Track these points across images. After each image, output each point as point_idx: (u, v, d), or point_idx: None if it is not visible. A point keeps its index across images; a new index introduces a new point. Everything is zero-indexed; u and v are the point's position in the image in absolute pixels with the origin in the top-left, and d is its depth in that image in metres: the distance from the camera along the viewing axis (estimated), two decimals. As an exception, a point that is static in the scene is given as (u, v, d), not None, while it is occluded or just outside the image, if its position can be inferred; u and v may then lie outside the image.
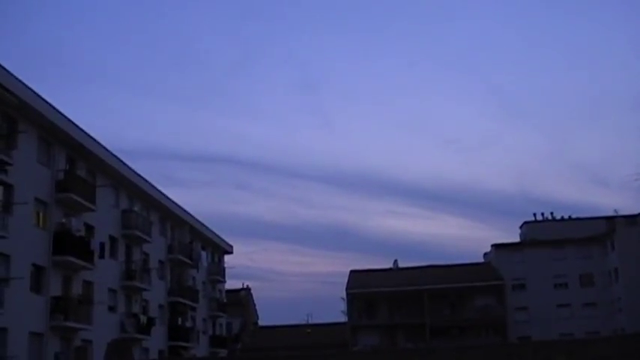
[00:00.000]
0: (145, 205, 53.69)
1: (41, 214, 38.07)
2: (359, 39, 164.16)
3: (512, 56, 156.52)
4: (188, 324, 60.84)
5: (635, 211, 76.48)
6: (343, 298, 75.92)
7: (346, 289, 75.56)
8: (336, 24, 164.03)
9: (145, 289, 51.13)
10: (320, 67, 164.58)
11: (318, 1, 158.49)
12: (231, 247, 75.20)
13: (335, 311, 75.21)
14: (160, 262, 56.54)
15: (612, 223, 74.51)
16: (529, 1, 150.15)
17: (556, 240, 75.60)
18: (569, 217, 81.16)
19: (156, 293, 54.30)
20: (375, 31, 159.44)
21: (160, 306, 55.86)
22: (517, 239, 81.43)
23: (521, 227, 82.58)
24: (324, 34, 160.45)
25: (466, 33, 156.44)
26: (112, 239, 47.34)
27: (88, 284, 42.79)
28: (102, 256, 44.36)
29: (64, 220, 39.70)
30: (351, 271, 79.83)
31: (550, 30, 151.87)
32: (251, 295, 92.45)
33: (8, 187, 34.23)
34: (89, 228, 43.28)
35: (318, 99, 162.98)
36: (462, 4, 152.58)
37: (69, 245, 38.73)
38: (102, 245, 44.67)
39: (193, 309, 62.11)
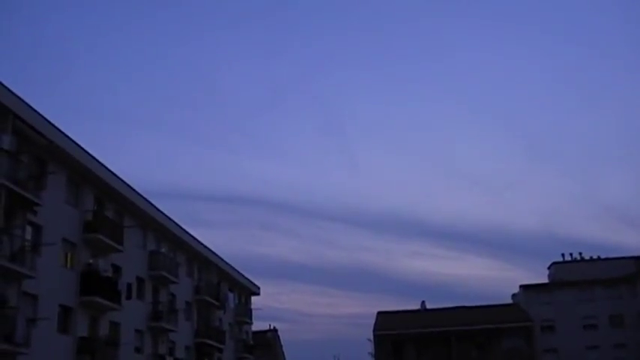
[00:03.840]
0: (172, 246, 53.99)
1: (69, 255, 38.41)
2: (384, 80, 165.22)
3: (540, 97, 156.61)
4: (215, 365, 60.77)
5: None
6: (370, 340, 75.36)
7: (373, 330, 75.10)
8: (362, 64, 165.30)
9: (171, 330, 51.18)
10: (346, 107, 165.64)
11: (344, 42, 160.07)
12: (259, 288, 75.25)
13: (362, 353, 74.80)
14: (187, 303, 56.68)
15: (641, 262, 73.77)
16: (556, 42, 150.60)
17: (585, 280, 74.83)
18: (598, 257, 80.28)
19: (182, 334, 54.34)
20: (401, 72, 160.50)
21: (187, 347, 55.87)
22: (545, 280, 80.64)
23: (549, 268, 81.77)
24: (350, 75, 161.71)
25: (493, 74, 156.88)
26: (139, 280, 47.59)
27: (114, 325, 42.93)
28: (129, 297, 44.61)
29: (91, 261, 40.03)
30: (378, 313, 79.42)
31: (578, 70, 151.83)
32: (278, 336, 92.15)
33: (37, 228, 34.64)
34: (116, 269, 43.57)
35: (343, 140, 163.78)
36: (489, 46, 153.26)
37: (96, 286, 38.96)
38: (129, 286, 44.96)
39: (220, 350, 61.99)
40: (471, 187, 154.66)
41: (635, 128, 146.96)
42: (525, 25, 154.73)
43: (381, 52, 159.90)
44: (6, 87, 30.89)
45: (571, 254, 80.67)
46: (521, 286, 78.07)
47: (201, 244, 58.78)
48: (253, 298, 75.84)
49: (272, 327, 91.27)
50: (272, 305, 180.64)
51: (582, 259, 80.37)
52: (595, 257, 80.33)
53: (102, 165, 40.81)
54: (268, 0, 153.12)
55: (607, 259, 79.22)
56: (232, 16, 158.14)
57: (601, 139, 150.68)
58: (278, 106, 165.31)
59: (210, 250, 60.65)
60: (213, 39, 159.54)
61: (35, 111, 33.67)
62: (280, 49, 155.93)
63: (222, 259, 63.70)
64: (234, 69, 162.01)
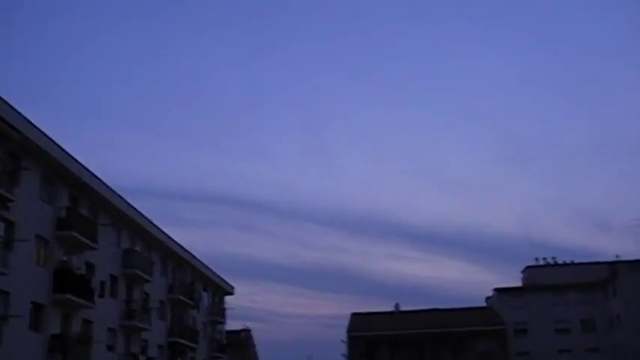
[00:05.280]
0: (147, 244, 53.64)
1: (42, 252, 37.92)
2: (366, 83, 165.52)
3: (517, 102, 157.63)
4: (187, 365, 60.45)
5: (637, 257, 76.36)
6: (344, 341, 75.39)
7: (347, 331, 75.15)
8: (345, 67, 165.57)
9: (144, 329, 50.82)
10: (327, 109, 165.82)
11: (327, 45, 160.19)
12: (233, 288, 74.97)
13: (336, 354, 74.68)
14: (161, 301, 56.31)
15: (614, 268, 74.38)
16: (535, 48, 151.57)
17: (558, 285, 75.37)
18: (572, 262, 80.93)
19: (155, 333, 53.99)
20: (382, 76, 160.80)
21: (160, 346, 55.50)
22: (519, 284, 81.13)
23: (523, 272, 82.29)
24: (332, 77, 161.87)
25: (471, 79, 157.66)
26: (113, 278, 47.19)
27: (87, 323, 42.51)
28: (102, 295, 44.27)
29: (64, 258, 39.63)
30: (352, 314, 79.46)
31: (556, 77, 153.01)
32: (251, 336, 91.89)
33: (10, 224, 34.19)
34: (90, 266, 43.16)
35: (324, 141, 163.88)
36: (472, 51, 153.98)
37: (69, 283, 38.55)
38: (102, 284, 44.61)
39: (193, 350, 61.66)
40: (449, 190, 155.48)
41: (610, 136, 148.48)
42: (506, 30, 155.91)
43: (363, 55, 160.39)
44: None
45: (545, 258, 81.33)
46: (494, 290, 78.47)
47: (177, 243, 58.44)
48: (227, 298, 75.56)
49: (246, 327, 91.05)
50: (246, 305, 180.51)
51: (556, 264, 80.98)
52: (569, 262, 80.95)
53: (77, 162, 40.37)
54: (253, 3, 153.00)
55: (580, 264, 79.84)
56: (217, 18, 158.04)
57: (577, 146, 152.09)
58: (260, 107, 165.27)
59: (185, 250, 60.32)
60: (199, 40, 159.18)
61: (9, 105, 33.24)
62: (264, 51, 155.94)
63: (197, 259, 63.40)
64: (217, 69, 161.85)
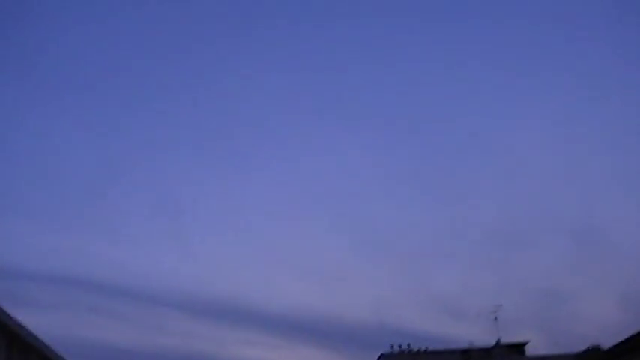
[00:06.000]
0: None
1: None
2: (225, 168, 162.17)
3: (375, 191, 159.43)
4: None
5: (489, 343, 76.57)
6: None
7: None
8: (202, 154, 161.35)
9: None
10: (184, 191, 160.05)
11: (183, 124, 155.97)
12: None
13: None
14: (3, 394, 48.38)
15: (467, 354, 73.75)
16: (393, 143, 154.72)
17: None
18: (426, 348, 79.43)
19: None
20: (240, 161, 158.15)
21: None
22: (373, 371, 78.69)
23: (378, 358, 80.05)
24: (190, 157, 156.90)
25: (330, 168, 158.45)
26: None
27: None
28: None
29: None
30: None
31: (412, 170, 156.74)
32: None
33: None
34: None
35: (180, 225, 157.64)
36: (328, 144, 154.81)
37: None
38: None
39: None
40: (306, 276, 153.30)
41: (463, 226, 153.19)
42: (359, 120, 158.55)
43: (221, 142, 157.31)
44: None
45: (400, 345, 79.38)
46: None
47: (24, 326, 50.93)
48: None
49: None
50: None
51: (410, 351, 78.98)
52: (423, 349, 79.45)
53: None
54: (106, 73, 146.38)
55: (434, 351, 78.36)
56: (66, 89, 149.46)
57: (432, 235, 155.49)
58: (115, 185, 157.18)
59: (32, 334, 52.78)
60: (50, 111, 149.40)
61: None
62: (120, 128, 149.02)
63: (46, 344, 55.81)
64: (70, 144, 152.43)
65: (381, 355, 78.54)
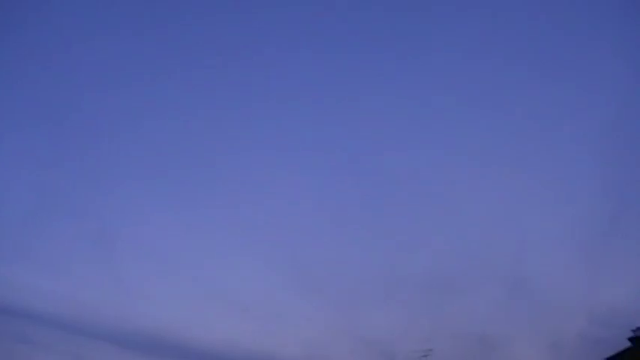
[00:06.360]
0: None
1: None
2: (157, 198, 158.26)
3: (310, 231, 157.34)
4: None
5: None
6: None
7: None
8: (135, 181, 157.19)
9: None
10: (117, 222, 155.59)
11: (118, 157, 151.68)
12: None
13: None
14: None
15: (398, 399, 72.92)
16: (331, 182, 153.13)
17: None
18: (356, 391, 78.46)
19: None
20: (175, 192, 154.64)
21: None
22: (302, 413, 77.09)
23: (308, 400, 78.53)
24: (123, 191, 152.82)
25: (265, 201, 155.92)
26: None
27: None
28: None
29: None
30: None
31: (350, 211, 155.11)
32: None
33: None
34: None
35: (112, 256, 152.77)
36: (263, 176, 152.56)
37: None
38: None
39: None
40: (238, 313, 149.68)
41: (396, 272, 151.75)
42: (298, 159, 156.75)
43: (156, 169, 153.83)
44: None
45: (330, 387, 78.20)
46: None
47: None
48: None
49: None
50: None
51: (340, 393, 78.14)
52: (353, 391, 78.46)
53: None
54: (38, 104, 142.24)
55: (365, 393, 77.57)
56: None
57: (365, 278, 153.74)
58: (43, 213, 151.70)
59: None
60: None
61: None
62: (54, 157, 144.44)
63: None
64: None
65: (311, 397, 77.05)
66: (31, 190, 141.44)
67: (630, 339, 24.28)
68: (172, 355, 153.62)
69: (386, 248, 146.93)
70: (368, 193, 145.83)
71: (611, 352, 24.95)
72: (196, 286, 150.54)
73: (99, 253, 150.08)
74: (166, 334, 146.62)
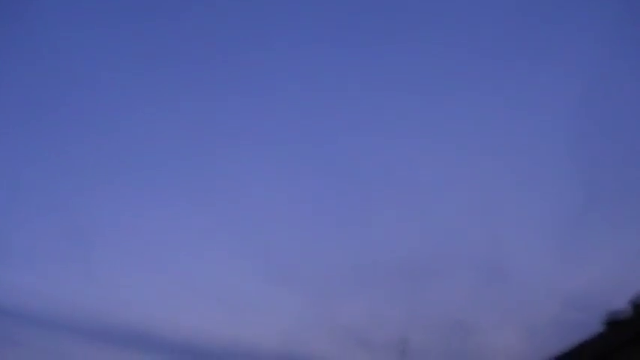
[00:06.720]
0: None
1: None
2: (131, 191, 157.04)
3: (284, 222, 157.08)
4: None
5: (397, 375, 75.99)
6: None
7: None
8: (109, 174, 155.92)
9: None
10: (90, 215, 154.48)
11: (92, 149, 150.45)
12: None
13: None
14: None
15: (375, 387, 73.23)
16: (302, 168, 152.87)
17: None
18: (333, 380, 78.73)
19: None
20: (149, 184, 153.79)
21: None
22: (277, 403, 77.17)
23: (284, 390, 78.63)
24: (96, 184, 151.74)
25: (236, 191, 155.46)
26: None
27: None
28: None
29: None
30: None
31: (322, 198, 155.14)
32: None
33: None
34: None
35: (85, 248, 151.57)
36: (235, 166, 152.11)
37: None
38: None
39: None
40: (213, 304, 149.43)
41: (370, 259, 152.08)
42: (269, 147, 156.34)
43: (131, 162, 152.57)
44: None
45: (306, 376, 78.41)
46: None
47: None
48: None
49: None
50: None
51: (317, 382, 78.35)
52: (330, 380, 78.72)
53: None
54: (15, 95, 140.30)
55: (341, 382, 77.87)
56: None
57: (341, 267, 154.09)
58: (16, 206, 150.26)
59: None
60: None
61: None
62: (24, 148, 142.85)
63: None
64: None
65: (287, 386, 77.19)
66: (7, 186, 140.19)
67: (605, 323, 24.30)
68: (147, 347, 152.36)
69: (360, 235, 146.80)
70: (340, 180, 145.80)
71: (586, 336, 24.96)
72: (171, 278, 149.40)
73: (72, 246, 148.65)
74: (141, 327, 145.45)
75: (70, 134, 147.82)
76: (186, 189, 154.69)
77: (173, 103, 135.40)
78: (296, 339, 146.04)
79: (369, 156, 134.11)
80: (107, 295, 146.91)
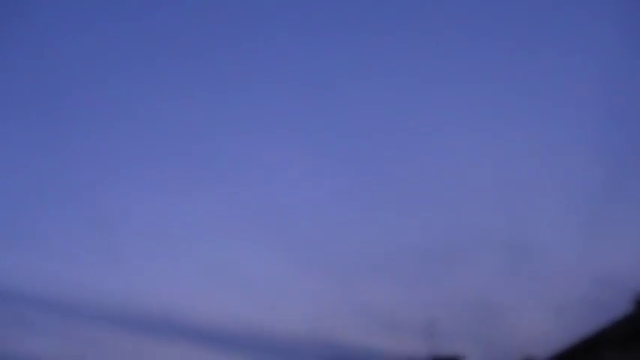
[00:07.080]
0: None
1: None
2: (158, 180, 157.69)
3: (309, 206, 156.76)
4: None
5: (425, 357, 75.69)
6: None
7: None
8: (136, 163, 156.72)
9: None
10: (117, 204, 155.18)
11: (118, 139, 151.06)
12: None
13: None
14: None
15: (403, 368, 72.99)
16: (328, 155, 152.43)
17: (350, 386, 72.36)
18: (361, 362, 78.59)
19: None
20: (176, 172, 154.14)
21: None
22: (306, 385, 77.26)
23: (311, 373, 78.68)
24: (123, 172, 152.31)
25: (266, 183, 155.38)
26: None
27: None
28: None
29: None
30: None
31: (348, 183, 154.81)
32: None
33: None
34: None
35: (112, 237, 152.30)
36: (264, 154, 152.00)
37: None
38: None
39: None
40: (241, 290, 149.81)
41: (396, 242, 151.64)
42: (297, 136, 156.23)
43: (158, 151, 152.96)
44: None
45: (333, 359, 78.28)
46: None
47: None
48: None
49: None
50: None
51: (344, 364, 78.19)
52: (358, 362, 78.59)
53: None
54: (31, 85, 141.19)
55: (369, 364, 77.66)
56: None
57: (367, 252, 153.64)
58: (43, 197, 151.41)
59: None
60: None
61: None
62: (48, 142, 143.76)
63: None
64: None
65: (315, 369, 77.20)
66: (29, 176, 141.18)
67: (635, 302, 23.79)
68: (176, 334, 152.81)
69: (385, 219, 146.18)
70: (364, 165, 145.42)
71: (615, 316, 24.44)
72: (198, 265, 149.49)
73: (100, 235, 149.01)
74: (169, 314, 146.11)
75: (91, 125, 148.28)
76: (211, 176, 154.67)
77: (201, 92, 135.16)
78: (322, 324, 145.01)
79: (392, 141, 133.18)
80: (132, 282, 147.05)
